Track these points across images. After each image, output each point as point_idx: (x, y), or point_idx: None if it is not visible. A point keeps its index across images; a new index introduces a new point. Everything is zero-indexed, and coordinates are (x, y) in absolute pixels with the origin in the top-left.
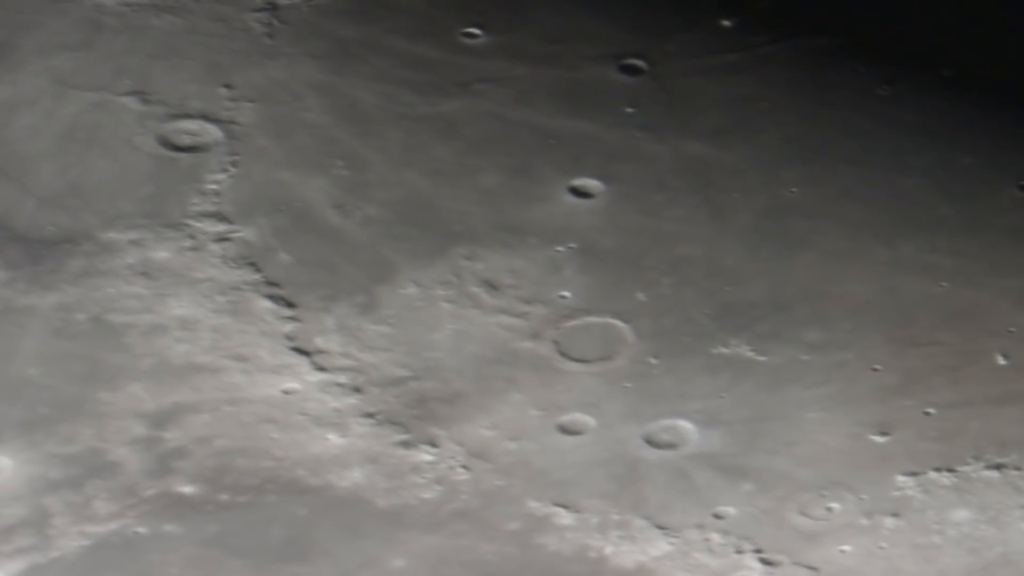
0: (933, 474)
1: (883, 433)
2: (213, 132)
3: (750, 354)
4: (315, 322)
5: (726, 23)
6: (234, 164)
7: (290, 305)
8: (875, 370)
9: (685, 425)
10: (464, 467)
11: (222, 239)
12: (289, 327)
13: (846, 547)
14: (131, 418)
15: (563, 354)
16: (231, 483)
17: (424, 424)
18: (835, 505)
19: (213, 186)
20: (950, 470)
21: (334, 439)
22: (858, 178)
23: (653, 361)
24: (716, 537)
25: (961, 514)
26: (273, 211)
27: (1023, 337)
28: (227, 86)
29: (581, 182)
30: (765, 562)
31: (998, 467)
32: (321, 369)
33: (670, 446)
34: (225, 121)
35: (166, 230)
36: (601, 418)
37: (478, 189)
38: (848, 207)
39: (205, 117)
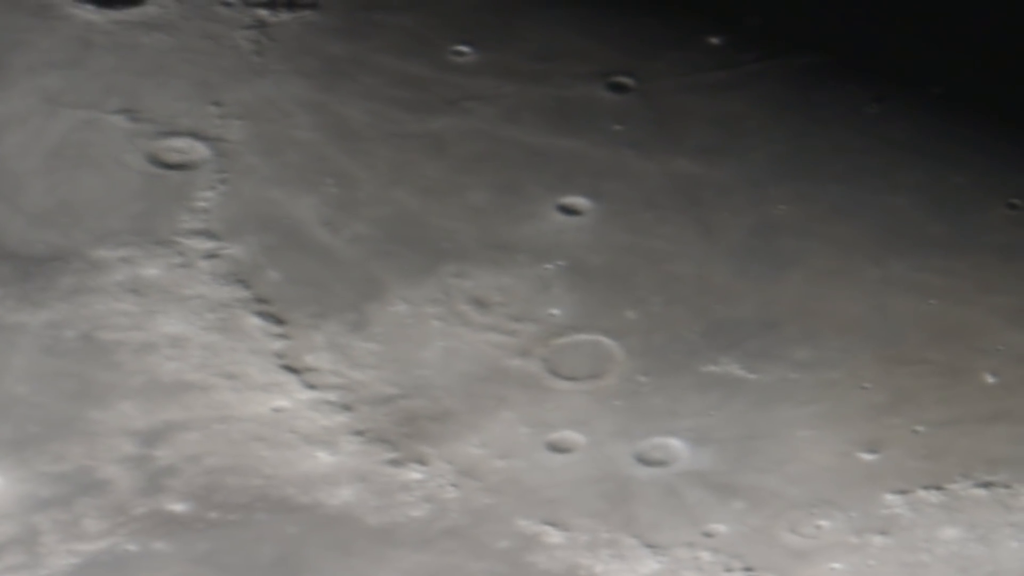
0: (922, 492)
1: (872, 451)
2: (202, 150)
3: (740, 372)
4: (305, 340)
5: (714, 41)
6: (223, 181)
7: (280, 322)
8: (864, 388)
9: (675, 443)
10: (453, 485)
11: (211, 256)
12: (279, 345)
13: (836, 565)
14: (121, 436)
15: (552, 372)
16: (221, 501)
17: (413, 442)
18: (824, 523)
19: (202, 203)
20: (939, 488)
21: (324, 457)
22: (847, 196)
23: (643, 379)
24: (706, 555)
25: (950, 532)
26: (262, 228)
27: (1012, 355)
28: (216, 104)
29: (570, 200)
30: None
31: (987, 485)
32: (311, 387)
33: (660, 464)
34: (214, 139)
35: (155, 247)
36: (591, 436)
37: (467, 207)
38: (837, 225)
39: (194, 135)
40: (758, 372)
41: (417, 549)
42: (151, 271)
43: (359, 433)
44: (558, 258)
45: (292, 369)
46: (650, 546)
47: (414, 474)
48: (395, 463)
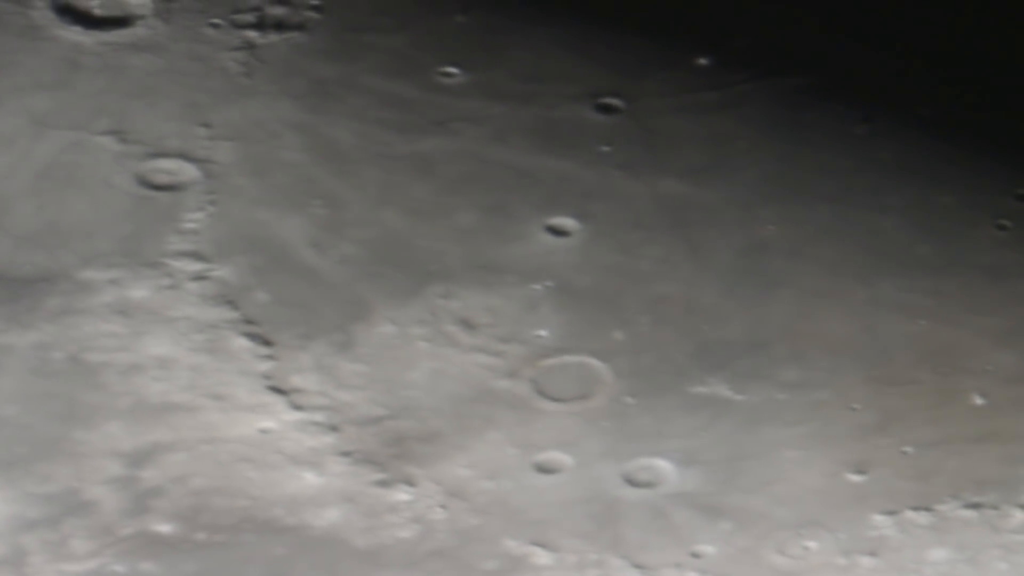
0: (910, 513)
1: (860, 472)
2: (190, 171)
3: (727, 393)
4: (292, 361)
5: (703, 61)
6: (211, 203)
7: (267, 344)
8: (853, 409)
9: (663, 464)
10: (441, 506)
11: (199, 278)
12: (266, 366)
13: None
14: (108, 457)
15: (540, 393)
16: (208, 522)
17: (401, 463)
18: (812, 544)
19: (190, 225)
20: (927, 509)
21: (311, 478)
22: (836, 217)
23: (630, 400)
24: None
25: (938, 553)
26: (250, 250)
27: (1001, 376)
28: (205, 125)
29: (558, 220)
30: None
31: (976, 506)
32: (298, 408)
33: (648, 485)
34: (202, 160)
35: (143, 269)
36: (578, 457)
37: (455, 228)
38: (825, 246)
39: (183, 156)
40: (746, 393)
41: (404, 570)
42: (139, 292)
43: (346, 454)
44: (546, 279)
45: (279, 390)
46: (638, 567)
47: (401, 495)
48: (382, 484)
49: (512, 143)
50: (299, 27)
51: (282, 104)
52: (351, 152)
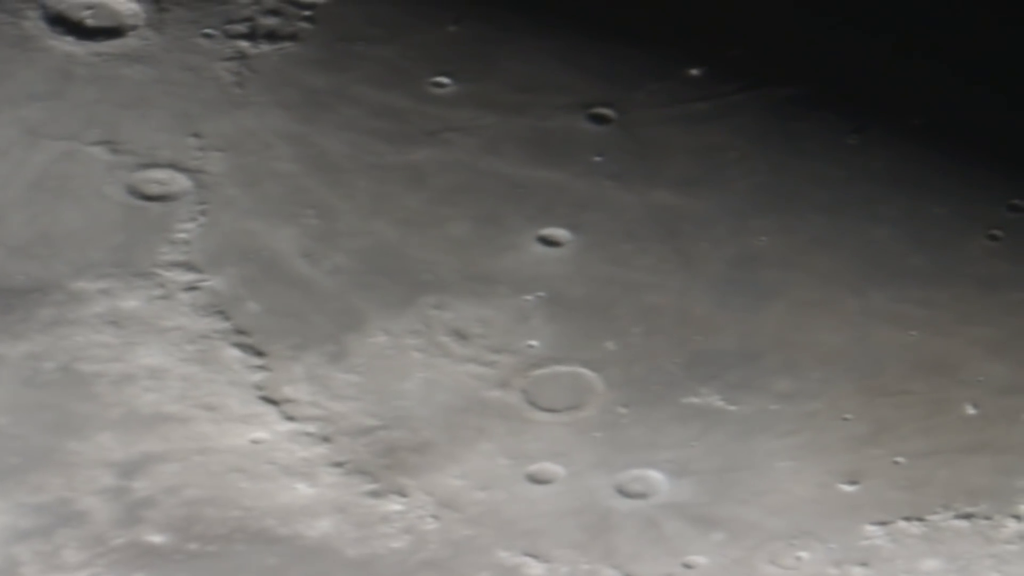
0: (902, 523)
1: (852, 482)
2: (182, 181)
3: (720, 403)
4: (284, 371)
5: (695, 72)
6: (203, 213)
7: (259, 354)
8: (845, 419)
9: (655, 474)
10: (433, 516)
11: (191, 288)
12: (258, 376)
13: None
14: (100, 467)
15: (532, 403)
16: (200, 532)
17: (393, 473)
18: (804, 554)
19: (182, 235)
20: (919, 519)
21: (303, 488)
22: (828, 227)
23: (622, 410)
24: None
25: (930, 563)
26: (242, 260)
27: (992, 386)
28: (196, 135)
29: (550, 231)
30: None
31: (967, 516)
32: (290, 418)
33: (640, 495)
34: (194, 170)
35: (135, 279)
36: (570, 467)
37: (447, 238)
38: (818, 256)
39: (174, 166)
40: (738, 403)
41: None
42: (131, 303)
43: (338, 464)
44: (538, 289)
45: (271, 401)
46: None
47: (393, 505)
48: (374, 495)
49: (504, 153)
50: (291, 37)
51: (274, 114)
52: (343, 162)
